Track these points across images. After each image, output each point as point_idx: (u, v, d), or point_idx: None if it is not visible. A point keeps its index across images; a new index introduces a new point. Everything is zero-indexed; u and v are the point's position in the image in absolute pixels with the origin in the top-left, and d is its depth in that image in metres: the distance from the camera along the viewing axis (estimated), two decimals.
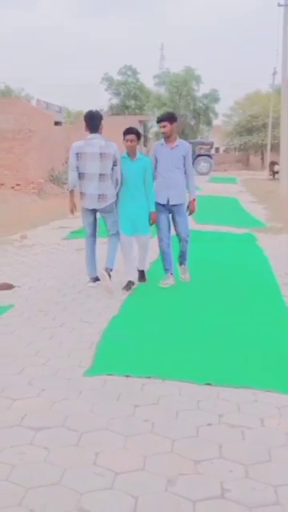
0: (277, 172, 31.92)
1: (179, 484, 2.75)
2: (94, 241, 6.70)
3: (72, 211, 6.63)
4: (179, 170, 6.69)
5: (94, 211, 6.50)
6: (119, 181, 6.36)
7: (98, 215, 6.65)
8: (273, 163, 37.52)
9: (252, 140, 53.80)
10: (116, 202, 6.45)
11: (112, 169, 6.29)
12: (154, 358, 4.41)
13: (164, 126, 6.61)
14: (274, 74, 47.94)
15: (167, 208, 6.73)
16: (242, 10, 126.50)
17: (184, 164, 6.72)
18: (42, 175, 20.40)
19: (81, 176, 6.30)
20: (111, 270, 6.46)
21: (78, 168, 6.26)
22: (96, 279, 6.67)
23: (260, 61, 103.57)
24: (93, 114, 6.43)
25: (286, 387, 3.89)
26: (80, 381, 3.99)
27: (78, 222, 12.56)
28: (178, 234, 6.96)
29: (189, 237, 7.00)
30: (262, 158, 51.89)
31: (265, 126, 49.84)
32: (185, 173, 6.74)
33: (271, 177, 35.10)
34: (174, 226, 6.89)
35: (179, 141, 6.76)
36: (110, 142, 6.31)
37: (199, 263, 8.25)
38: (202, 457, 3.00)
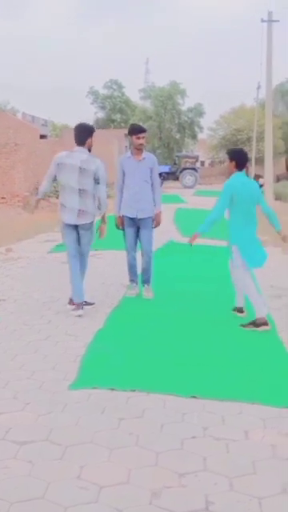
0: (262, 185, 32.21)
1: (164, 497, 2.75)
2: (78, 261, 6.18)
3: (36, 204, 6.91)
4: (147, 184, 6.70)
5: (76, 228, 6.08)
6: (102, 201, 6.01)
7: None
8: (257, 176, 37.85)
9: None
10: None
11: (94, 187, 5.97)
12: (138, 371, 4.42)
13: (143, 137, 6.62)
14: (258, 88, 48.63)
15: (135, 222, 6.75)
16: (227, 25, 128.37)
17: (151, 177, 6.73)
18: (28, 188, 20.38)
19: (62, 188, 6.06)
20: (77, 304, 6.08)
21: (57, 179, 6.04)
22: (84, 304, 6.14)
23: (244, 75, 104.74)
24: (81, 126, 6.20)
25: (270, 399, 3.91)
26: (65, 394, 3.97)
27: None
28: (142, 249, 6.90)
29: (152, 252, 6.96)
30: (247, 172, 52.23)
31: (249, 139, 50.29)
32: (151, 185, 6.75)
33: None
34: (140, 240, 6.89)
35: (146, 153, 6.78)
36: (94, 158, 6.00)
37: (183, 275, 8.29)
38: (186, 469, 3.00)
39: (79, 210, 5.97)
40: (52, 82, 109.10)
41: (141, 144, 6.57)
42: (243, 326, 5.57)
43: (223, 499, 2.75)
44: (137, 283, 7.02)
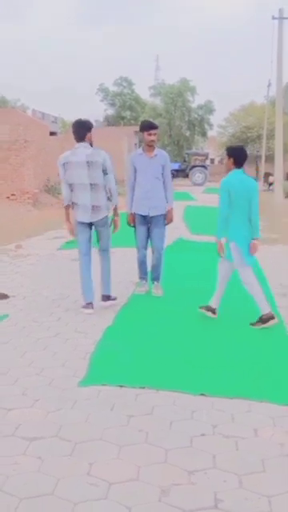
0: (272, 183, 32.10)
1: (173, 494, 2.76)
2: (90, 260, 6.15)
3: (72, 232, 6.18)
4: (159, 181, 6.68)
5: (90, 226, 6.05)
6: (113, 191, 6.02)
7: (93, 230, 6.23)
8: (267, 174, 37.76)
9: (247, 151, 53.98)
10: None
11: (104, 178, 5.93)
12: (147, 369, 4.42)
13: (155, 134, 6.60)
14: (269, 85, 48.38)
15: (147, 219, 6.73)
16: (238, 22, 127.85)
17: (163, 174, 6.72)
18: (38, 185, 20.43)
19: (72, 187, 5.97)
20: (109, 296, 6.25)
21: (67, 179, 5.98)
22: (92, 305, 6.09)
23: (255, 73, 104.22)
24: (79, 122, 6.13)
25: (279, 397, 3.90)
26: (74, 391, 3.99)
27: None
28: (152, 246, 6.89)
29: (163, 250, 6.94)
30: (257, 169, 52.11)
31: (259, 137, 50.11)
32: (163, 182, 6.73)
33: (266, 187, 35.28)
34: (150, 238, 6.86)
35: (158, 150, 6.77)
36: (97, 149, 5.99)
37: (193, 273, 8.28)
38: (195, 467, 3.00)
39: (93, 207, 5.92)
40: (59, 81, 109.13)
41: (152, 140, 6.56)
42: (253, 325, 5.56)
43: (232, 497, 2.74)
44: (146, 280, 7.03)
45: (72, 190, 5.99)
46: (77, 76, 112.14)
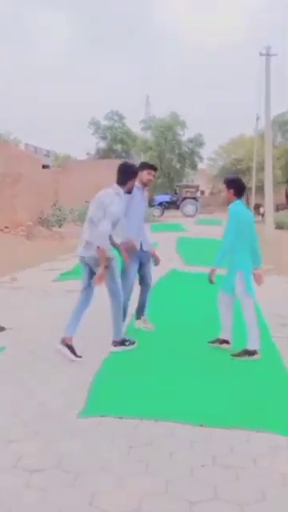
0: (263, 214, 32.46)
1: None
2: (87, 296, 5.76)
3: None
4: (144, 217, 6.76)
5: (86, 264, 5.71)
6: (98, 232, 5.44)
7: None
8: (258, 205, 38.17)
9: None
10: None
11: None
12: (146, 400, 4.45)
13: (154, 176, 6.67)
14: (258, 119, 49.27)
15: (138, 255, 6.50)
16: (226, 57, 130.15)
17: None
18: (31, 218, 20.55)
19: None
20: (119, 341, 5.86)
21: None
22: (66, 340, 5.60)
23: (243, 105, 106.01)
24: (123, 166, 5.93)
25: (277, 427, 3.94)
26: (74, 422, 4.01)
27: (68, 263, 12.72)
28: (144, 283, 6.75)
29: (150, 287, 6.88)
30: (247, 201, 52.64)
31: (249, 169, 50.77)
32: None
33: (258, 218, 35.62)
34: (142, 274, 6.70)
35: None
36: (114, 195, 5.62)
37: (186, 305, 8.34)
38: (197, 498, 3.03)
39: (86, 242, 5.64)
40: (53, 113, 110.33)
41: (149, 180, 6.61)
42: (235, 355, 5.61)
43: None
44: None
45: None
46: (68, 109, 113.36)
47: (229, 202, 5.84)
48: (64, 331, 5.66)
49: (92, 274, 5.69)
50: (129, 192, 5.89)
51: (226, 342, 5.95)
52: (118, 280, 5.79)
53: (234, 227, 5.64)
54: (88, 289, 5.77)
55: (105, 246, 5.45)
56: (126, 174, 5.84)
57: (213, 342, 6.00)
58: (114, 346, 5.83)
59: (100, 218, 5.52)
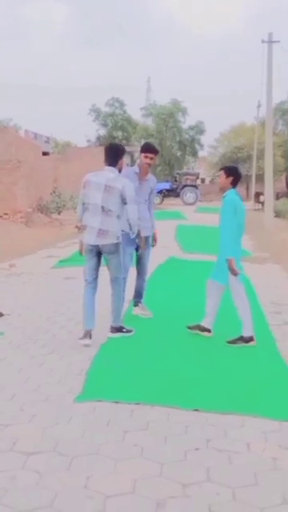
0: (262, 202, 32.40)
1: (168, 507, 2.83)
2: (95, 288, 5.80)
3: (82, 251, 5.86)
4: (146, 203, 6.72)
5: (98, 254, 5.71)
6: (132, 222, 5.73)
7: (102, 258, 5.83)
8: (258, 194, 38.12)
9: None
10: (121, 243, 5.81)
11: (121, 207, 5.63)
12: (142, 385, 4.50)
13: (152, 158, 6.62)
14: (259, 106, 49.14)
15: (135, 240, 6.51)
16: (228, 45, 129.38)
17: (149, 197, 6.77)
18: (30, 205, 20.56)
19: (85, 207, 5.70)
20: (120, 328, 5.92)
21: (83, 198, 5.72)
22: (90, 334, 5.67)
23: (245, 94, 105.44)
24: (112, 147, 6.02)
25: (271, 412, 3.99)
26: (70, 407, 4.06)
27: (66, 251, 12.75)
28: (140, 269, 6.81)
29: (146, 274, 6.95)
30: (248, 189, 52.60)
31: (250, 157, 50.70)
32: (148, 205, 6.77)
33: (258, 207, 35.57)
34: (139, 261, 6.77)
35: (150, 174, 6.80)
36: (121, 177, 5.76)
37: (185, 292, 8.38)
38: (190, 480, 3.08)
39: (99, 230, 5.58)
40: (54, 100, 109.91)
41: (147, 163, 6.61)
42: (231, 342, 5.65)
43: (226, 509, 2.82)
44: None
45: (85, 210, 5.75)
46: (70, 96, 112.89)
47: (224, 189, 5.85)
48: (84, 324, 5.70)
49: (99, 263, 5.76)
50: (119, 171, 5.87)
51: (208, 330, 5.97)
52: (122, 267, 5.90)
53: (231, 215, 5.65)
54: (95, 281, 5.80)
55: (135, 229, 5.92)
56: (115, 154, 5.82)
57: (192, 328, 6.01)
58: (112, 332, 5.87)
59: (115, 206, 5.58)
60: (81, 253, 5.88)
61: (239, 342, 5.63)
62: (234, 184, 5.83)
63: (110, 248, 5.64)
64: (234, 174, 5.85)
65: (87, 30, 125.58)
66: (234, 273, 5.59)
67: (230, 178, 5.82)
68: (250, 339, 5.64)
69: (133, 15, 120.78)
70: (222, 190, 5.88)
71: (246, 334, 5.66)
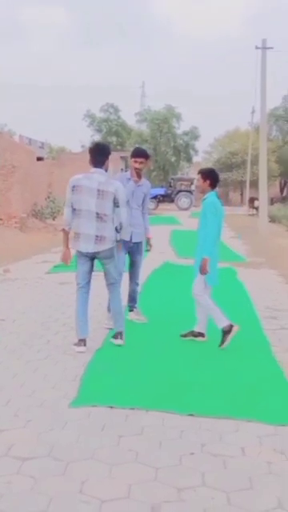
0: (257, 207, 32.50)
1: (164, 511, 2.83)
2: (87, 292, 5.72)
3: (66, 259, 5.77)
4: (139, 208, 6.69)
5: (92, 258, 5.64)
6: (124, 225, 5.65)
7: (95, 263, 5.78)
8: (252, 199, 38.23)
9: (231, 176, 54.81)
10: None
11: (113, 210, 5.55)
12: (137, 390, 4.50)
13: (141, 163, 6.56)
14: (253, 112, 49.37)
15: (128, 246, 6.52)
16: (222, 50, 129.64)
17: (143, 202, 6.75)
18: (25, 210, 20.52)
19: (77, 213, 5.54)
20: (121, 334, 5.78)
21: (73, 203, 5.54)
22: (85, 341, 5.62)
23: (239, 100, 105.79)
24: (98, 146, 5.90)
25: (266, 417, 4.00)
26: (65, 412, 4.06)
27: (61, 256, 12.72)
28: (132, 273, 6.80)
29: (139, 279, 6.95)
30: (242, 194, 52.81)
31: (244, 162, 50.87)
32: (142, 210, 6.75)
33: (252, 212, 35.68)
34: (131, 266, 6.78)
35: (143, 179, 6.78)
36: (112, 180, 5.71)
37: (180, 297, 8.37)
38: (185, 485, 3.08)
39: (97, 237, 5.50)
40: (48, 105, 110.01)
41: (137, 168, 6.59)
42: (222, 343, 5.66)
43: None
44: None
45: (76, 217, 5.58)
46: (63, 101, 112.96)
47: (204, 192, 5.93)
48: (79, 333, 5.63)
49: (93, 267, 5.73)
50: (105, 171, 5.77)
51: (202, 334, 5.98)
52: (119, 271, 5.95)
53: (212, 217, 5.74)
54: (88, 285, 5.74)
55: (127, 234, 5.94)
56: (102, 154, 5.71)
57: (185, 336, 6.01)
58: (117, 338, 5.76)
59: (109, 210, 5.52)
60: (66, 260, 5.77)
61: (226, 337, 5.66)
62: (213, 186, 5.90)
63: (107, 253, 5.59)
64: (210, 176, 5.94)
65: (87, 30, 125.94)
66: (204, 271, 5.69)
67: (208, 181, 5.90)
68: (230, 327, 5.67)
69: (133, 15, 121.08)
70: (203, 193, 5.98)
71: (223, 325, 5.69)
